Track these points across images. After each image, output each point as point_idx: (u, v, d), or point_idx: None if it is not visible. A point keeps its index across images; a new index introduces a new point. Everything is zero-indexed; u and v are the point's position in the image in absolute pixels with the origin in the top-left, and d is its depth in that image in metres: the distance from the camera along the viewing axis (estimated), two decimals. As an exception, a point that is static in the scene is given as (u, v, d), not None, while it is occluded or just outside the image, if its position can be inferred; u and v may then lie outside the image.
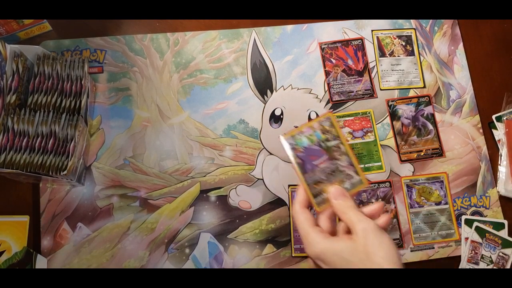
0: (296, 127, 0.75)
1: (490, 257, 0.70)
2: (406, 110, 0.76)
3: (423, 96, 0.77)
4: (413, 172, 0.74)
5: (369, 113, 0.76)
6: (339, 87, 0.76)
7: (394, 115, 0.76)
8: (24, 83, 0.64)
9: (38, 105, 0.63)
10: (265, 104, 0.75)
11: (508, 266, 0.70)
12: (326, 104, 0.76)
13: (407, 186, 0.73)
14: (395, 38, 0.80)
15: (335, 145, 0.55)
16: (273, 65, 0.77)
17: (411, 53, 0.79)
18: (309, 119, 0.75)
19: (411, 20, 0.81)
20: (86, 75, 0.65)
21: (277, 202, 0.71)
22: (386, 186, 0.73)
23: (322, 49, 0.78)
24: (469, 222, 0.72)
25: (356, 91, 0.77)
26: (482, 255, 0.70)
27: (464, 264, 0.70)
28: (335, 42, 0.79)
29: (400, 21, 0.81)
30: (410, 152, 0.75)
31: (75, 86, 0.64)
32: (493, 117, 0.76)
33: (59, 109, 0.63)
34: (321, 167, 0.54)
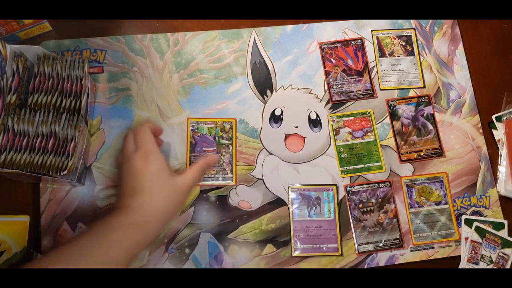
0: (296, 127, 0.74)
1: (490, 257, 0.70)
2: (406, 110, 0.76)
3: (423, 96, 0.77)
4: (413, 172, 0.74)
5: (369, 113, 0.75)
6: (339, 87, 0.76)
7: (394, 115, 0.76)
8: (24, 83, 0.64)
9: (38, 105, 0.63)
10: (265, 104, 0.75)
11: (508, 266, 0.70)
12: (326, 104, 0.76)
13: (407, 186, 0.73)
14: (395, 38, 0.80)
15: (226, 144, 0.71)
16: (273, 65, 0.77)
17: (411, 53, 0.79)
18: (309, 119, 0.75)
19: (411, 20, 0.81)
20: (86, 75, 0.65)
21: (277, 202, 0.71)
22: (386, 186, 0.72)
23: (322, 49, 0.78)
24: (469, 222, 0.72)
25: (356, 91, 0.76)
26: (482, 255, 0.70)
27: (464, 264, 0.70)
28: (335, 42, 0.79)
29: (400, 21, 0.81)
30: (410, 152, 0.75)
31: (75, 86, 0.64)
32: (493, 117, 0.76)
33: (59, 109, 0.63)
34: (206, 154, 0.70)
